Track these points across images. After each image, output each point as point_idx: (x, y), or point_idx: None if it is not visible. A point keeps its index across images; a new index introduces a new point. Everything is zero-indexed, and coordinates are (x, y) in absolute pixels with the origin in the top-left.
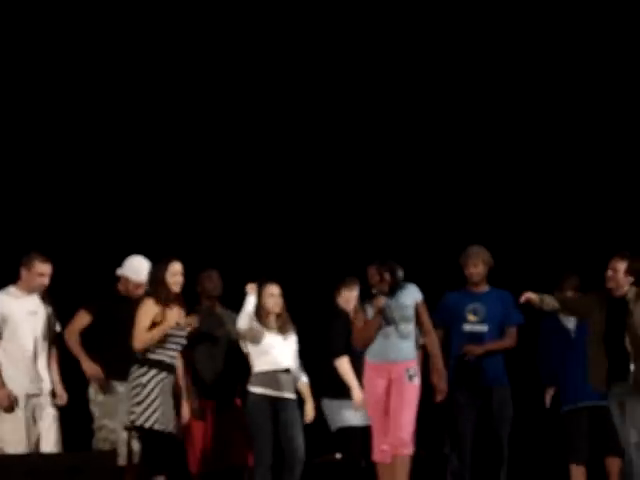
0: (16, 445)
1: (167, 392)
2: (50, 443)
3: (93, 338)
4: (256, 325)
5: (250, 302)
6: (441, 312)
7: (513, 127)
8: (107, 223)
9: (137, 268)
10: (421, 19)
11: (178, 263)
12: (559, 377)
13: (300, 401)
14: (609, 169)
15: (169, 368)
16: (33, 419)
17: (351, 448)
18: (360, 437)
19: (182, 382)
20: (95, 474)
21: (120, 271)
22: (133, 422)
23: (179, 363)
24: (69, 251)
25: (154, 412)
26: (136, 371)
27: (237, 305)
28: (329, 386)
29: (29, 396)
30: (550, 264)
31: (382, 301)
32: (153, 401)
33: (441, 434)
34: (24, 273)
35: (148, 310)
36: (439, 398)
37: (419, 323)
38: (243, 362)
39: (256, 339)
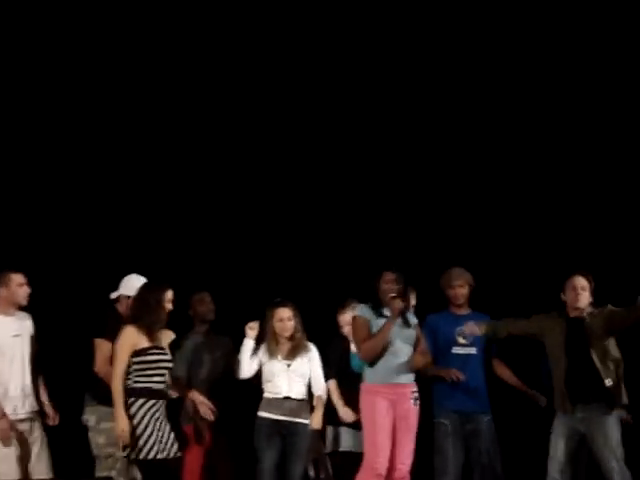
0: (7, 472)
1: (160, 418)
2: (42, 469)
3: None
4: (261, 357)
5: (247, 347)
6: (429, 336)
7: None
8: (95, 244)
9: (136, 281)
10: (421, 19)
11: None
12: None
13: None
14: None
15: (158, 394)
16: (23, 444)
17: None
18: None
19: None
20: None
21: (119, 292)
22: (129, 455)
23: None
24: (54, 273)
25: (147, 442)
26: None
27: (230, 329)
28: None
29: (19, 421)
30: (527, 286)
31: (400, 303)
32: (144, 431)
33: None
34: (3, 292)
35: (126, 340)
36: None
37: (417, 344)
38: (232, 388)
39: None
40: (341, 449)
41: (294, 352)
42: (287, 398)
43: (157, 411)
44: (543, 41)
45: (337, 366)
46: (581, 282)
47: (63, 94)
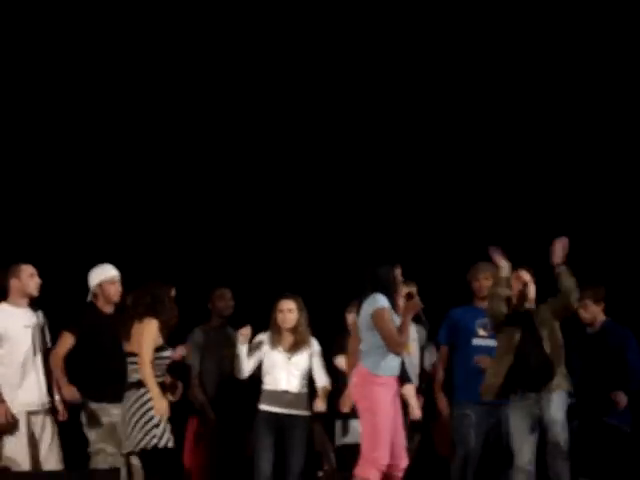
0: (20, 464)
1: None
2: (53, 461)
3: (81, 360)
4: (261, 349)
5: (242, 351)
6: (448, 328)
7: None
8: (111, 242)
9: (102, 268)
10: (421, 19)
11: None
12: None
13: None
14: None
15: (163, 387)
16: (35, 437)
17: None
18: None
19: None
20: None
21: (92, 287)
22: (150, 444)
23: None
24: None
25: (165, 431)
26: (137, 394)
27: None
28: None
29: (30, 413)
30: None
31: (419, 303)
32: (150, 421)
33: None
34: (14, 283)
35: (153, 331)
36: None
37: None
38: (248, 383)
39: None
40: (350, 441)
41: (296, 346)
42: (286, 391)
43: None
44: (543, 41)
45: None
46: (524, 276)
47: (65, 93)
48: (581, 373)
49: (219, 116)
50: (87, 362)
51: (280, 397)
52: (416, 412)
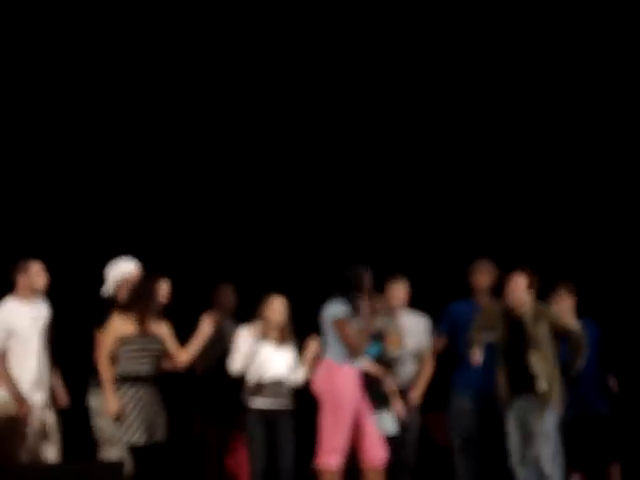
0: (20, 457)
1: (147, 403)
2: (50, 453)
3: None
4: (252, 345)
5: (243, 344)
6: (448, 320)
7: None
8: (113, 238)
9: (126, 262)
10: (421, 19)
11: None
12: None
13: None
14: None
15: (144, 379)
16: (35, 430)
17: None
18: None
19: None
20: None
21: (116, 281)
22: (120, 441)
23: None
24: (66, 261)
25: (130, 426)
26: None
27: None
28: None
29: (34, 407)
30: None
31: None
32: (128, 416)
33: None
34: (22, 279)
35: (115, 329)
36: None
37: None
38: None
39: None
40: None
41: (283, 339)
42: (275, 382)
43: (143, 395)
44: (543, 41)
45: None
46: (518, 279)
47: (75, 93)
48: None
49: (219, 115)
50: None
51: (268, 390)
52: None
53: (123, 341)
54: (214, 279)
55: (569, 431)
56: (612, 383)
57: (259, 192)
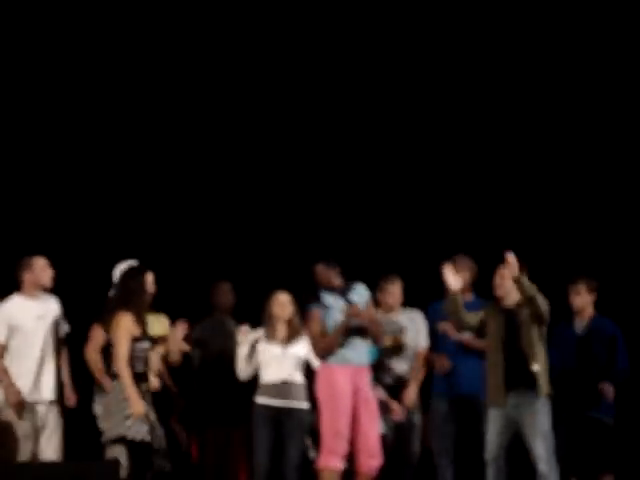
0: (20, 454)
1: (148, 401)
2: (50, 451)
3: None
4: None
5: (241, 353)
6: (430, 322)
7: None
8: (112, 236)
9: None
10: (421, 19)
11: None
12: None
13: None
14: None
15: (140, 378)
16: (37, 428)
17: None
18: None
19: None
20: None
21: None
22: (121, 435)
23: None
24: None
25: (138, 424)
26: (116, 384)
27: (249, 317)
28: None
29: (36, 403)
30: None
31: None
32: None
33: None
34: (27, 276)
35: (126, 325)
36: None
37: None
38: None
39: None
40: None
41: (291, 337)
42: (284, 383)
43: (146, 394)
44: (543, 41)
45: None
46: (501, 271)
47: (80, 96)
48: (564, 368)
49: (217, 116)
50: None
51: (278, 389)
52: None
53: (134, 340)
54: (212, 277)
55: (571, 433)
56: (607, 390)
57: (259, 192)
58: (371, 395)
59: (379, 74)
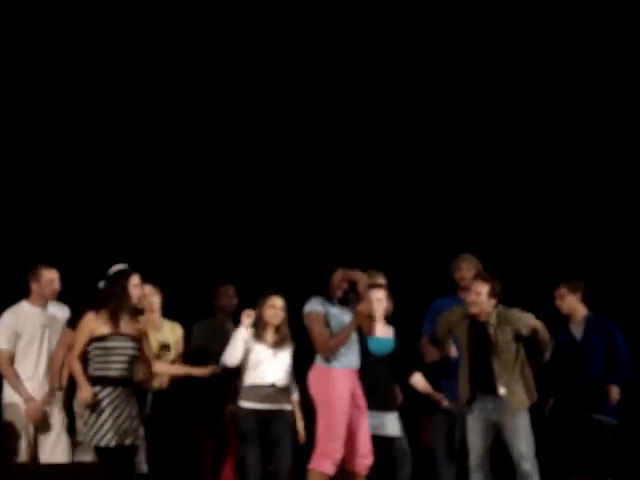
0: (21, 456)
1: (119, 405)
2: (58, 454)
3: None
4: (248, 343)
5: (240, 335)
6: (432, 317)
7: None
8: (114, 240)
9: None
10: (420, 19)
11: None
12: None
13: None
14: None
15: (118, 381)
16: (38, 430)
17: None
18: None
19: None
20: None
21: None
22: (90, 443)
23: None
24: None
25: (101, 429)
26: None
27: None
28: None
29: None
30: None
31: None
32: (98, 418)
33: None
34: (34, 286)
35: (87, 325)
36: None
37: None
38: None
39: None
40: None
41: (281, 342)
42: (272, 385)
43: (116, 398)
44: (543, 41)
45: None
46: (477, 287)
47: (81, 99)
48: (563, 370)
49: (217, 117)
50: None
51: (266, 392)
52: (436, 397)
53: (97, 340)
54: (215, 281)
55: (572, 433)
56: (613, 391)
57: (259, 193)
58: (362, 394)
59: (381, 74)
